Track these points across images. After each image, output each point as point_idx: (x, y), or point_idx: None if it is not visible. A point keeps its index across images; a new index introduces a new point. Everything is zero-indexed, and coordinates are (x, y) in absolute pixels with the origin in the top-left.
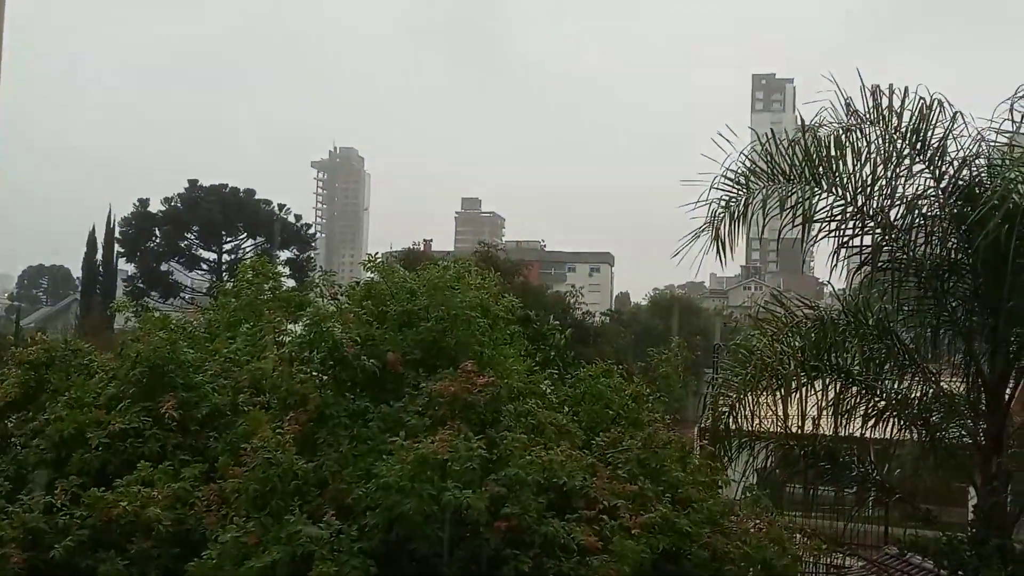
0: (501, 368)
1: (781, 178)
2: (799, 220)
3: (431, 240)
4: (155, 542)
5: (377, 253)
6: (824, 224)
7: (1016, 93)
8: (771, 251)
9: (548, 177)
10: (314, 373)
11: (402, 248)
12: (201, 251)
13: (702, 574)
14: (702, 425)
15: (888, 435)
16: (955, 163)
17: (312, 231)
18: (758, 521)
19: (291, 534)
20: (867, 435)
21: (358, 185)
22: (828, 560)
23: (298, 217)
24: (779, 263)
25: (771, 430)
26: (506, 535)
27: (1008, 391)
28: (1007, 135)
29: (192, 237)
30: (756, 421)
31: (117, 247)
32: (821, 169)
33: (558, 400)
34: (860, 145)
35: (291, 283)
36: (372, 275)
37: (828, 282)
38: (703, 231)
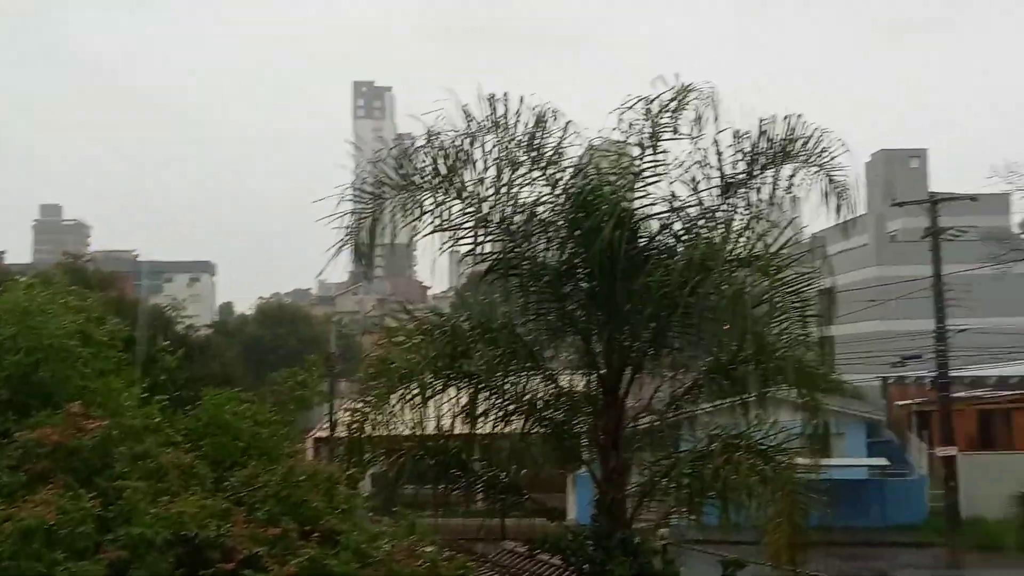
0: (112, 404)
1: (412, 187)
2: (428, 228)
3: (4, 252)
4: None
5: None
6: (452, 231)
7: (623, 104)
8: (377, 256)
9: (134, 183)
10: None
11: None
12: None
13: None
14: (318, 436)
15: (517, 432)
16: (569, 170)
17: None
18: (408, 545)
19: None
20: (496, 433)
21: None
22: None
23: None
24: (385, 268)
25: (402, 437)
26: None
27: (623, 388)
28: (616, 144)
29: None
30: (387, 430)
31: None
32: (449, 177)
33: (177, 432)
34: (479, 153)
35: None
36: None
37: (454, 287)
38: (345, 243)
